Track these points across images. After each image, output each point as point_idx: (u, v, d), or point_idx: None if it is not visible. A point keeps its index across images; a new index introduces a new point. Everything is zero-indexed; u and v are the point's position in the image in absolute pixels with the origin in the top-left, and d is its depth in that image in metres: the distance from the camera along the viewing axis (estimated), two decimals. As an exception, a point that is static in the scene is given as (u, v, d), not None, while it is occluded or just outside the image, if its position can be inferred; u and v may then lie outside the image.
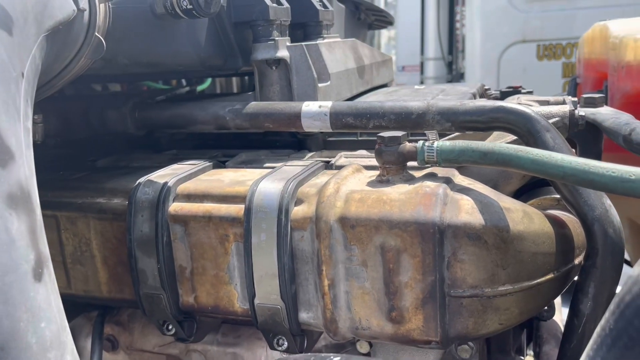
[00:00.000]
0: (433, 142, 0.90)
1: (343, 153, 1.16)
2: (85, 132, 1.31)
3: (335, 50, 1.38)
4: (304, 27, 1.45)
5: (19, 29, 0.70)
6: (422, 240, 0.83)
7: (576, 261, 0.93)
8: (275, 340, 0.98)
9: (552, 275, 0.88)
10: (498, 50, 4.88)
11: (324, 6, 1.49)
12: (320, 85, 1.24)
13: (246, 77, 2.34)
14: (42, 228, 0.65)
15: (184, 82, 2.18)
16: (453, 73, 6.46)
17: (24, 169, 0.63)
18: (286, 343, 0.97)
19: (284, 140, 1.32)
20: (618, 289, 0.69)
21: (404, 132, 0.92)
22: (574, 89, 2.36)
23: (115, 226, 1.05)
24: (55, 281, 0.66)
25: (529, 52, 4.77)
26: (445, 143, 0.89)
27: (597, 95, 1.25)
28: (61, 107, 1.30)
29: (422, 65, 6.44)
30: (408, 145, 0.91)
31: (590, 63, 2.12)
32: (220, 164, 1.16)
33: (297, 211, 0.92)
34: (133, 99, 1.26)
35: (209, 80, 2.25)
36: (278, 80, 1.22)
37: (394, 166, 0.91)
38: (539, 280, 0.87)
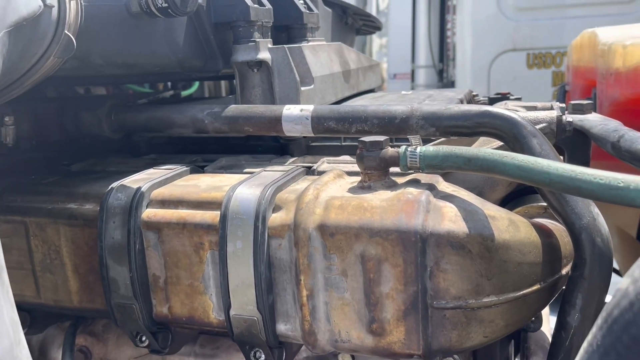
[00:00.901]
0: (416, 147, 0.87)
1: (326, 158, 1.13)
2: (59, 135, 1.27)
3: (320, 54, 1.35)
4: (288, 30, 1.42)
5: (-22, 23, 0.66)
6: (404, 249, 0.80)
7: (563, 271, 0.90)
8: (252, 352, 0.94)
9: (539, 285, 0.85)
10: (488, 58, 4.88)
11: (309, 9, 1.46)
12: (303, 88, 1.21)
13: (235, 81, 2.30)
14: (-5, 235, 0.61)
15: (170, 86, 2.14)
16: (444, 81, 6.46)
17: (-25, 171, 0.60)
18: (263, 356, 0.93)
19: (267, 145, 1.28)
20: (607, 299, 0.66)
21: (386, 137, 0.89)
22: (562, 96, 2.34)
23: (86, 233, 1.01)
24: (10, 292, 0.62)
25: (519, 61, 4.78)
26: (428, 148, 0.86)
27: (585, 102, 1.23)
28: (34, 108, 1.26)
29: (413, 73, 6.44)
30: (390, 151, 0.88)
31: (579, 70, 2.10)
32: (199, 169, 1.12)
33: (275, 218, 0.88)
34: (109, 101, 1.22)
35: (196, 84, 2.21)
36: (260, 83, 1.19)
37: (376, 172, 0.88)
38: (525, 291, 0.84)
